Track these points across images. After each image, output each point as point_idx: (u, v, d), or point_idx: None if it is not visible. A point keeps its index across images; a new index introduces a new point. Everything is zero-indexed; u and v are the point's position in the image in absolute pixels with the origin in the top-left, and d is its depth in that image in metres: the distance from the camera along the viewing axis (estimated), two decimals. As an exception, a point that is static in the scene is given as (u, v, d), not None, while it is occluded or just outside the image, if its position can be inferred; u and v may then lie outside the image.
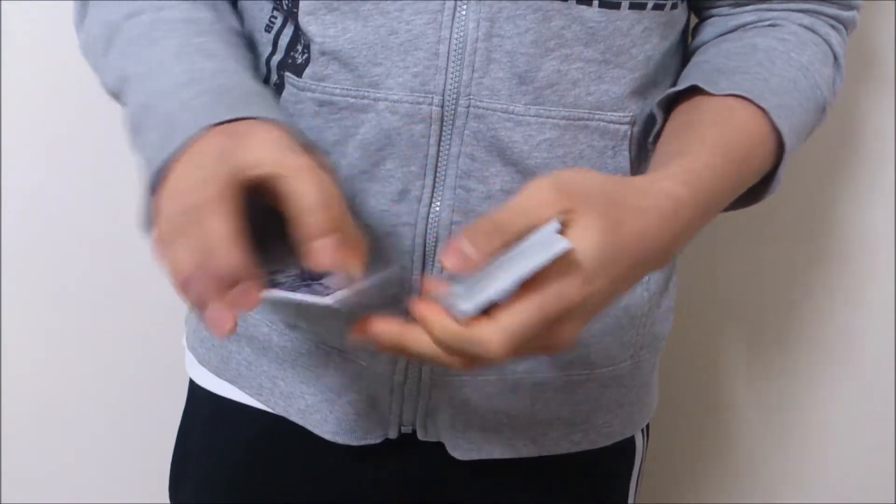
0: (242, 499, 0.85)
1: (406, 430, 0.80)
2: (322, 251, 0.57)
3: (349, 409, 0.79)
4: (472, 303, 0.56)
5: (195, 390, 0.88)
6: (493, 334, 0.56)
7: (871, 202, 1.16)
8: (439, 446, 0.80)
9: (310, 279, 0.61)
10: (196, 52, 0.69)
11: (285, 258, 0.63)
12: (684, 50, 0.82)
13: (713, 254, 1.20)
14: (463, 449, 0.80)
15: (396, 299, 0.68)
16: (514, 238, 0.57)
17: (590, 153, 0.73)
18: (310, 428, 0.80)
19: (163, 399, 1.15)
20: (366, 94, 0.71)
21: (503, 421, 0.79)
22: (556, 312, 0.57)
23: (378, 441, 0.80)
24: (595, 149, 0.74)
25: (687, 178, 0.65)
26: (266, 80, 0.76)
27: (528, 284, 0.56)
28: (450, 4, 0.68)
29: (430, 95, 0.70)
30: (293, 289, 0.60)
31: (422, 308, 0.58)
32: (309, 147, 0.62)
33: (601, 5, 0.69)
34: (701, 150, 0.68)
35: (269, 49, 0.75)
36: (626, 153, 0.75)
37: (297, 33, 0.73)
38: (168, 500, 0.92)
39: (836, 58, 0.79)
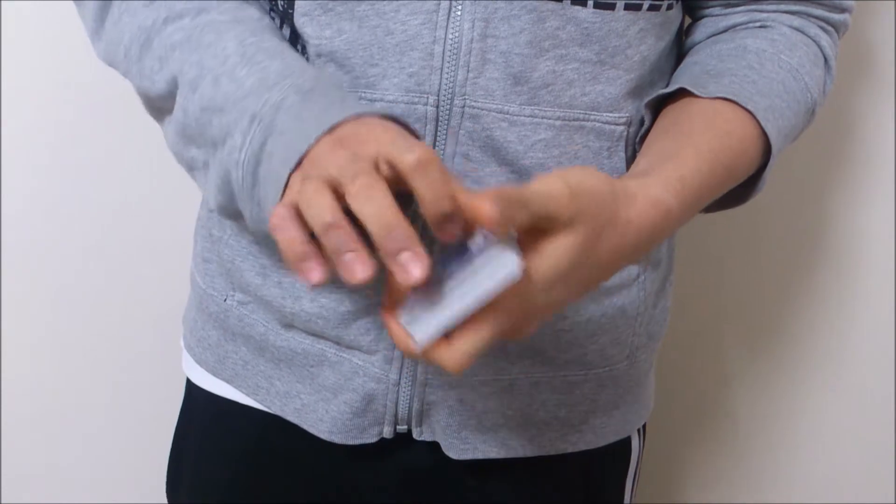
0: (239, 498, 0.85)
1: (402, 429, 0.80)
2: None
3: (345, 408, 0.79)
4: (426, 333, 0.59)
5: (192, 390, 0.88)
6: (449, 359, 0.59)
7: (869, 203, 1.16)
8: (435, 446, 0.80)
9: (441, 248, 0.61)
10: (258, 52, 0.67)
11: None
12: (679, 50, 0.82)
13: (709, 255, 1.20)
14: (458, 449, 0.80)
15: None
16: (533, 218, 0.58)
17: (585, 154, 0.73)
18: (306, 427, 0.81)
19: (160, 399, 1.15)
20: (362, 94, 0.71)
21: (499, 421, 0.79)
22: (512, 325, 0.60)
23: (374, 440, 0.80)
24: (591, 149, 0.74)
25: (678, 186, 0.66)
26: None
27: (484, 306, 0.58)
28: (445, 5, 0.69)
29: (426, 96, 0.70)
30: (447, 256, 0.60)
31: (389, 323, 0.60)
32: (414, 134, 0.63)
33: (596, 6, 0.70)
34: (691, 154, 0.68)
35: None
36: (623, 154, 0.75)
37: (294, 35, 0.73)
38: (165, 500, 0.93)
39: (826, 59, 0.79)
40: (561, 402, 0.80)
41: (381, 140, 0.59)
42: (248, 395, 0.83)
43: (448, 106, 0.70)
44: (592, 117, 0.73)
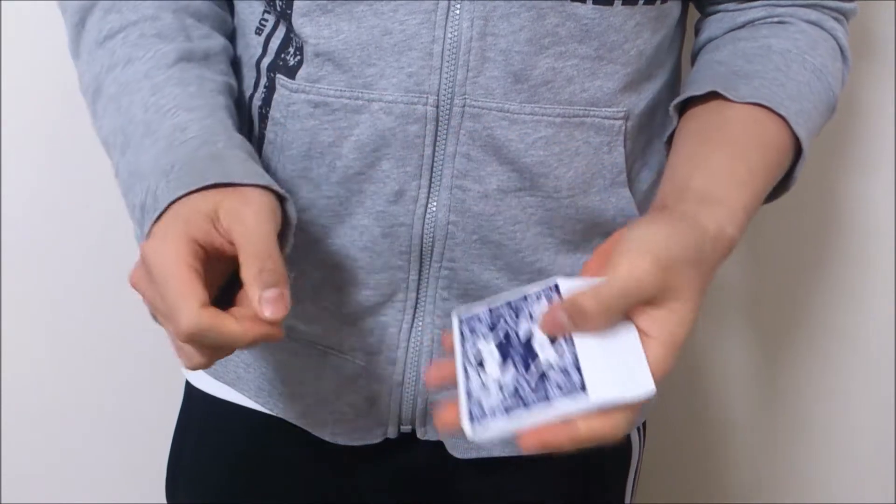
0: (239, 499, 0.85)
1: (405, 429, 0.80)
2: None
3: (348, 409, 0.79)
4: (485, 434, 0.57)
5: (192, 392, 0.88)
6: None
7: (873, 202, 1.16)
8: (439, 445, 0.80)
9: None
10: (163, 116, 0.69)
11: None
12: (680, 43, 0.81)
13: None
14: (462, 448, 0.80)
15: None
16: (614, 320, 0.59)
17: (586, 150, 0.73)
18: (309, 429, 0.81)
19: (160, 400, 1.15)
20: (360, 94, 0.71)
21: (501, 420, 0.79)
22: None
23: (378, 441, 0.80)
24: (591, 145, 0.74)
25: (741, 216, 0.67)
26: (255, 83, 0.76)
27: None
28: (443, 4, 0.68)
29: (425, 95, 0.70)
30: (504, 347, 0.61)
31: (441, 414, 0.61)
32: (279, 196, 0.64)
33: (595, 2, 0.69)
34: (747, 176, 0.69)
35: (259, 51, 0.75)
36: (622, 148, 0.75)
37: (290, 35, 0.73)
38: (165, 500, 0.93)
39: (842, 51, 0.79)
40: (563, 401, 0.80)
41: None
42: (250, 398, 0.83)
43: (448, 106, 0.70)
44: (592, 113, 0.73)
